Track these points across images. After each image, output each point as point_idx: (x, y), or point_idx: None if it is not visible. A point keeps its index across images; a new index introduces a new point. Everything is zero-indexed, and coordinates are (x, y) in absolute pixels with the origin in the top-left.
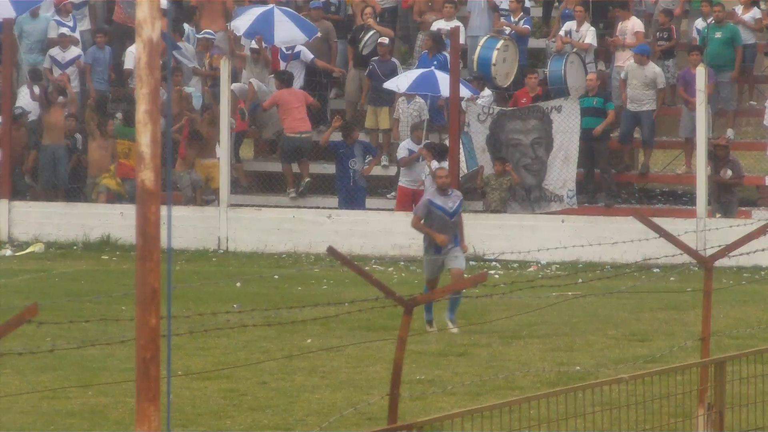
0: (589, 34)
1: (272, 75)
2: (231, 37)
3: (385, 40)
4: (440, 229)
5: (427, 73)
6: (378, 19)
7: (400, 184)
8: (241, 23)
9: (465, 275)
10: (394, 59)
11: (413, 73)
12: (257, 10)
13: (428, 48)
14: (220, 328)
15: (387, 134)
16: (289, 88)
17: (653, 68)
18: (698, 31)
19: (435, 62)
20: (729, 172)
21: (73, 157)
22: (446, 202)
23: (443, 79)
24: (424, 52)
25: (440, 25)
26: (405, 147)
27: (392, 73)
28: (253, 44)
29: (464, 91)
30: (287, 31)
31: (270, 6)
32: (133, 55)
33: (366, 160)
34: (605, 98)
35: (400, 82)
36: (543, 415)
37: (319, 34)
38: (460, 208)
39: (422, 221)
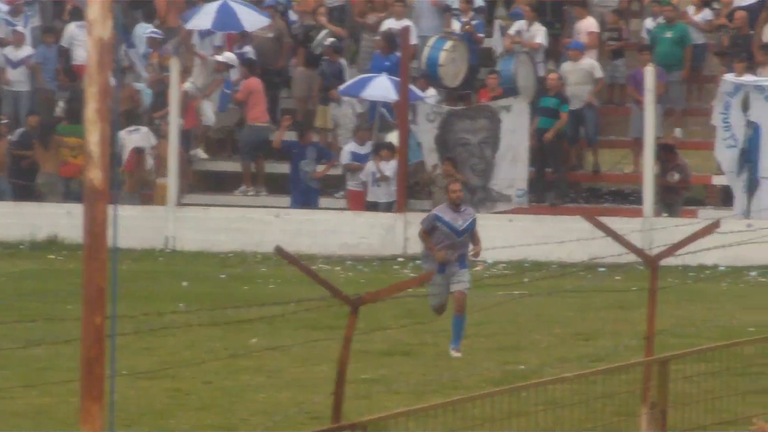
0: (539, 34)
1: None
2: (184, 35)
3: (331, 41)
4: (447, 247)
5: (369, 77)
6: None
7: (349, 188)
8: (202, 20)
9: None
10: (342, 60)
11: (358, 78)
12: (211, 6)
13: (381, 48)
14: (165, 327)
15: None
16: (253, 77)
17: (587, 61)
18: (648, 30)
19: (387, 62)
20: (676, 176)
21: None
22: (456, 219)
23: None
24: (376, 53)
25: (390, 24)
26: (348, 151)
27: (339, 74)
28: (222, 57)
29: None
30: (251, 17)
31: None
32: (70, 33)
33: (318, 164)
34: (561, 99)
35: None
36: (487, 414)
37: (271, 34)
38: (472, 227)
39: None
